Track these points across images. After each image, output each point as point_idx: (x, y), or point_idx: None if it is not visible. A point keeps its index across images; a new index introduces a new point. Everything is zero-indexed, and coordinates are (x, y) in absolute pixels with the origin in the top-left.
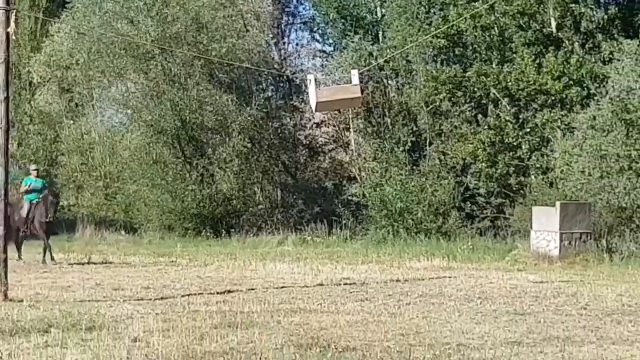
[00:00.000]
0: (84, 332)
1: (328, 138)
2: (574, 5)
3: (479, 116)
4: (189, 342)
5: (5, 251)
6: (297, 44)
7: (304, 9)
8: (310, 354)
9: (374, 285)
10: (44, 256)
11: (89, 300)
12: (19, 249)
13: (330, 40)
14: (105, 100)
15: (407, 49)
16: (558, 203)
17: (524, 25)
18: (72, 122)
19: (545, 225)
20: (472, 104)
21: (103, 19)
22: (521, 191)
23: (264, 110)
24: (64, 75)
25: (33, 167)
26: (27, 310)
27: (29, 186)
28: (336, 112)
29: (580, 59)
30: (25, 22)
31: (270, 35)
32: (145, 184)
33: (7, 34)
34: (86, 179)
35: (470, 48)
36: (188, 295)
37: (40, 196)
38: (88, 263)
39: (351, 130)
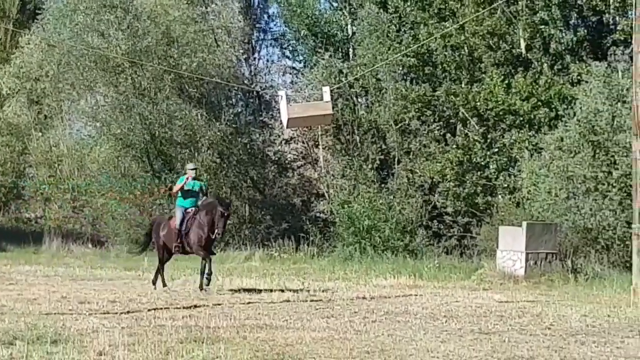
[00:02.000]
0: (49, 345)
1: (297, 154)
2: (543, 26)
3: (448, 135)
4: (155, 357)
5: None
6: (267, 60)
7: (275, 25)
8: None
9: (340, 303)
10: (201, 280)
11: (54, 313)
12: (161, 272)
13: (301, 57)
14: (74, 112)
15: (377, 67)
16: (524, 223)
17: (494, 46)
18: (40, 134)
19: (511, 245)
20: (441, 123)
21: (73, 31)
22: (488, 211)
23: (233, 125)
24: (33, 87)
25: (190, 165)
26: None
27: (182, 187)
28: (305, 128)
29: (549, 80)
30: None
31: (241, 51)
32: (113, 197)
33: None
34: (54, 192)
35: (440, 67)
36: (154, 309)
37: (199, 203)
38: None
39: (320, 147)
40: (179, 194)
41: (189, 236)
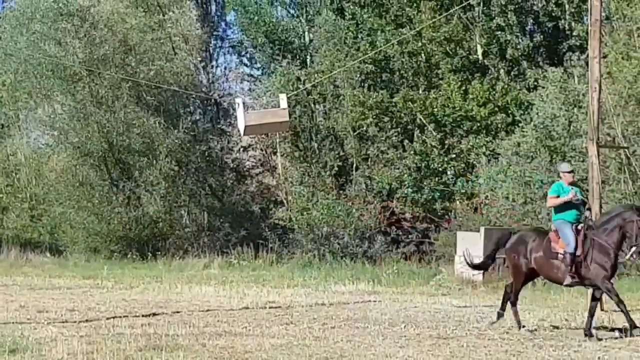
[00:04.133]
0: (7, 355)
1: (255, 162)
2: (499, 32)
3: (405, 141)
4: None
5: None
6: (225, 68)
7: (232, 32)
8: None
9: (299, 309)
10: (590, 322)
11: (12, 322)
12: (513, 305)
13: (259, 65)
14: (31, 121)
15: (335, 73)
16: (482, 228)
17: (451, 52)
18: None
19: (469, 250)
20: (399, 129)
21: (30, 39)
22: (446, 216)
23: (191, 133)
24: None
25: (566, 167)
26: None
27: (570, 197)
28: (263, 136)
29: (506, 86)
30: None
31: (199, 59)
32: (71, 206)
33: None
34: (11, 201)
35: (398, 74)
36: (113, 317)
37: (586, 217)
38: None
39: (278, 154)
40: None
41: (589, 264)
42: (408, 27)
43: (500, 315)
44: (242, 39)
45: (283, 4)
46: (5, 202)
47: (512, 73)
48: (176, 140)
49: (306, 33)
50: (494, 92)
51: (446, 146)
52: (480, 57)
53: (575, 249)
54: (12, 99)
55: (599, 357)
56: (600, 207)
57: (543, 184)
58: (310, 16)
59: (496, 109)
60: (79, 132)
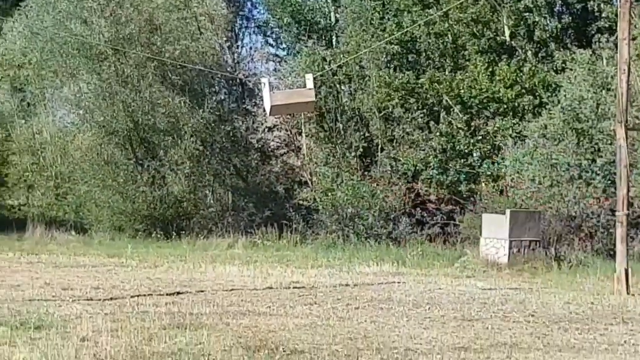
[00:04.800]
0: (33, 331)
1: (280, 142)
2: (527, 14)
3: (431, 123)
4: (138, 343)
5: None
6: (250, 48)
7: (258, 12)
8: (259, 356)
9: (323, 290)
10: None
11: (38, 300)
12: None
13: (284, 45)
14: (57, 100)
15: (361, 54)
16: (508, 211)
17: (478, 33)
18: (23, 121)
19: (494, 233)
20: (425, 110)
21: (56, 18)
22: (471, 198)
23: (217, 113)
24: (16, 74)
25: None
26: None
27: None
28: (289, 116)
29: (533, 68)
30: None
31: (224, 39)
32: (96, 184)
33: None
34: (37, 179)
35: (424, 55)
36: (137, 296)
37: None
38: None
39: (303, 134)
40: None
41: None
42: (435, 7)
43: None
44: (268, 19)
45: None
46: (30, 181)
47: (540, 55)
48: (201, 120)
49: (332, 13)
50: (521, 74)
51: (472, 128)
52: (508, 39)
53: None
54: (38, 78)
55: (625, 341)
56: (628, 190)
57: (570, 167)
58: None
59: (523, 90)
60: (104, 111)
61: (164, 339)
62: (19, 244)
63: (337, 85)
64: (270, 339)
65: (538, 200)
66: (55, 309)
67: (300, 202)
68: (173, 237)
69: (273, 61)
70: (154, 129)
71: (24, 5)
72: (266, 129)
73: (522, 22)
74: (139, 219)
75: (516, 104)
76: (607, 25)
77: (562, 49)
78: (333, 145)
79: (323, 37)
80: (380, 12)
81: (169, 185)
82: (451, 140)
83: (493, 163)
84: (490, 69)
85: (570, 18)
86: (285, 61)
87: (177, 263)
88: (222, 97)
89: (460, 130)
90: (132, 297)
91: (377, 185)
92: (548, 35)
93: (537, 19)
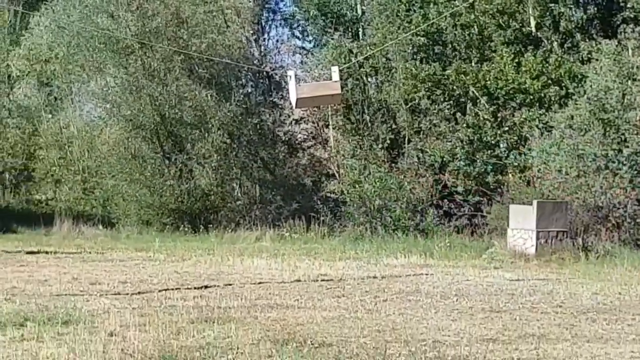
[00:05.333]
0: (60, 326)
1: (307, 135)
2: (553, 5)
3: (458, 114)
4: (166, 337)
5: None
6: (277, 41)
7: (284, 5)
8: (287, 349)
9: (351, 282)
10: None
11: (65, 294)
12: None
13: (310, 37)
14: (84, 94)
15: (387, 46)
16: (535, 202)
17: (504, 24)
18: (50, 116)
19: (522, 224)
20: (451, 102)
21: (83, 12)
22: (499, 189)
23: (243, 106)
24: (43, 69)
25: None
26: (4, 304)
27: None
28: (315, 108)
29: (559, 59)
30: (4, 15)
31: (251, 32)
32: (123, 178)
33: None
34: (64, 173)
35: (450, 46)
36: (165, 290)
37: None
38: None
39: (330, 127)
40: None
41: None
42: None
43: None
44: (294, 12)
45: None
46: (58, 175)
47: (566, 45)
48: (228, 113)
49: (358, 5)
50: (547, 65)
51: (499, 119)
52: (534, 30)
53: None
54: (64, 72)
55: None
56: None
57: (596, 157)
58: None
59: (549, 81)
60: (131, 105)
61: (192, 333)
62: (47, 239)
63: (364, 78)
64: (299, 332)
65: (565, 191)
66: (83, 304)
67: (328, 194)
68: (201, 230)
69: (299, 54)
70: (181, 122)
71: (50, 0)
72: (293, 122)
73: (547, 13)
74: (167, 212)
75: (542, 95)
76: (632, 16)
77: (587, 40)
78: (360, 138)
79: (349, 30)
80: (406, 4)
81: (197, 178)
82: (478, 132)
83: (520, 154)
84: (517, 60)
85: (595, 9)
86: (312, 54)
87: (204, 256)
88: (249, 90)
89: (487, 122)
90: (159, 291)
91: (404, 177)
92: (573, 26)
93: (562, 10)
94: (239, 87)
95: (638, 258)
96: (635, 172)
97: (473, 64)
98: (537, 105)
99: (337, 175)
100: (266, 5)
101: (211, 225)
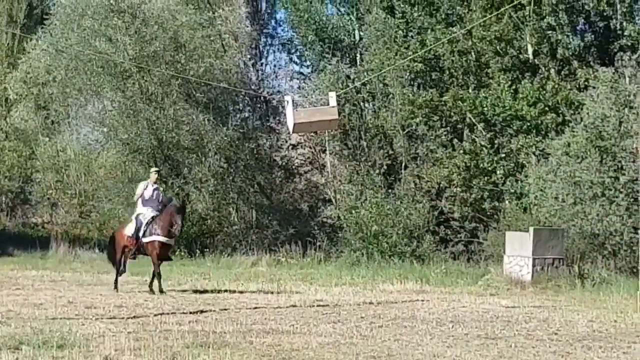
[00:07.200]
0: (55, 350)
1: (304, 160)
2: (550, 32)
3: (455, 141)
4: None
5: None
6: (274, 66)
7: (282, 30)
8: None
9: (346, 308)
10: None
11: (60, 318)
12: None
13: (308, 62)
14: (81, 117)
15: (384, 72)
16: (531, 228)
17: (501, 51)
18: (47, 139)
19: (518, 251)
20: (448, 128)
21: (81, 36)
22: (495, 216)
23: (241, 130)
24: (41, 92)
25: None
26: None
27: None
28: (312, 134)
29: (556, 86)
30: (2, 38)
31: (248, 56)
32: (120, 202)
33: None
34: (61, 197)
35: (447, 73)
36: (161, 314)
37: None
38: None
39: (327, 152)
40: None
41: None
42: (458, 25)
43: None
44: (292, 37)
45: (333, 1)
46: (54, 198)
47: (563, 73)
48: (225, 138)
49: (356, 31)
50: (544, 92)
51: (496, 146)
52: (531, 57)
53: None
54: (62, 96)
55: None
56: None
57: (593, 185)
58: (360, 14)
59: (546, 108)
60: (128, 128)
61: (187, 358)
62: (43, 262)
63: (361, 103)
64: (294, 358)
65: (561, 218)
66: (78, 328)
67: (324, 219)
68: (197, 254)
69: (297, 79)
70: (178, 146)
71: (48, 23)
72: (290, 147)
73: (545, 40)
74: None
75: (539, 122)
76: (629, 44)
77: (584, 67)
78: (357, 163)
79: (347, 55)
80: (404, 30)
81: (193, 202)
82: (475, 158)
83: (517, 181)
84: (514, 87)
85: (592, 36)
86: (310, 79)
87: (200, 281)
88: (246, 115)
89: (484, 148)
90: (155, 315)
91: (401, 203)
92: (571, 53)
93: (559, 37)
94: (236, 111)
95: (634, 286)
96: (632, 199)
97: (470, 90)
98: (534, 132)
99: (333, 200)
100: (264, 30)
101: (207, 250)
